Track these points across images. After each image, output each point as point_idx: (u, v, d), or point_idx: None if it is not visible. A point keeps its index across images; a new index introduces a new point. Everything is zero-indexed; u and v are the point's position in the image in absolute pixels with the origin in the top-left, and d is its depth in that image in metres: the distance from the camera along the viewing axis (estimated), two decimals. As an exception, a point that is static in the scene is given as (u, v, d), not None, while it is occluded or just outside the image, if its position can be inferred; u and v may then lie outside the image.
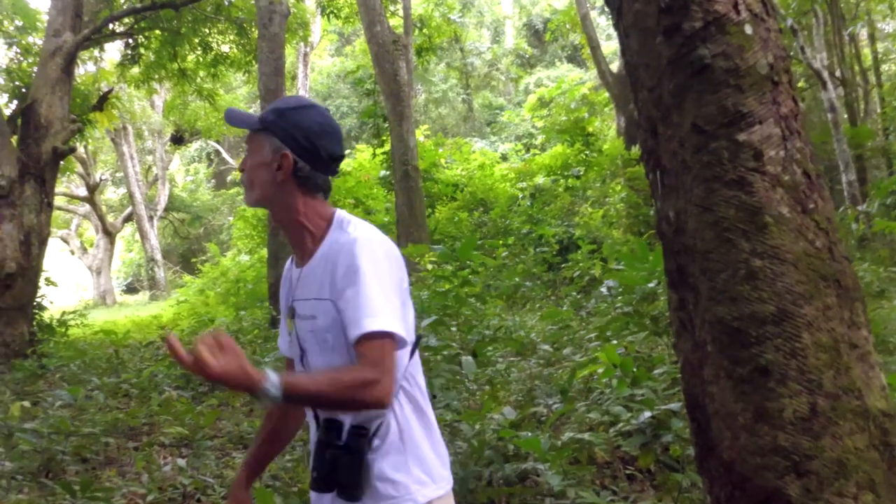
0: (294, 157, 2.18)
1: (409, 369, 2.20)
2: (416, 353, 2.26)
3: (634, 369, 4.62)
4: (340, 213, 2.24)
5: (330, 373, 2.06)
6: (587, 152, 19.59)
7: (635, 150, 15.76)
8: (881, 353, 5.30)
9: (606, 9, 2.43)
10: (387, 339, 2.01)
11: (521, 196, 19.63)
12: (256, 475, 2.59)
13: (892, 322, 5.93)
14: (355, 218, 2.24)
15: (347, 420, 2.12)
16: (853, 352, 2.08)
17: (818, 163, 2.22)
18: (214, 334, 1.90)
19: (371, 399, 1.99)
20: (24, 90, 13.83)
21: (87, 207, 38.59)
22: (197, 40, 16.58)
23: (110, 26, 13.91)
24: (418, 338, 2.29)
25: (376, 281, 2.05)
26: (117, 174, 42.12)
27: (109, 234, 38.27)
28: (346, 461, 2.06)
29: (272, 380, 1.90)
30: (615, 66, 18.34)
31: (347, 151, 26.21)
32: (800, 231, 2.06)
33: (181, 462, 5.58)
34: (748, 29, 2.10)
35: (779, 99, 2.11)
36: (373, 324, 1.99)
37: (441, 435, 2.32)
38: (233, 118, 2.27)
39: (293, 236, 2.26)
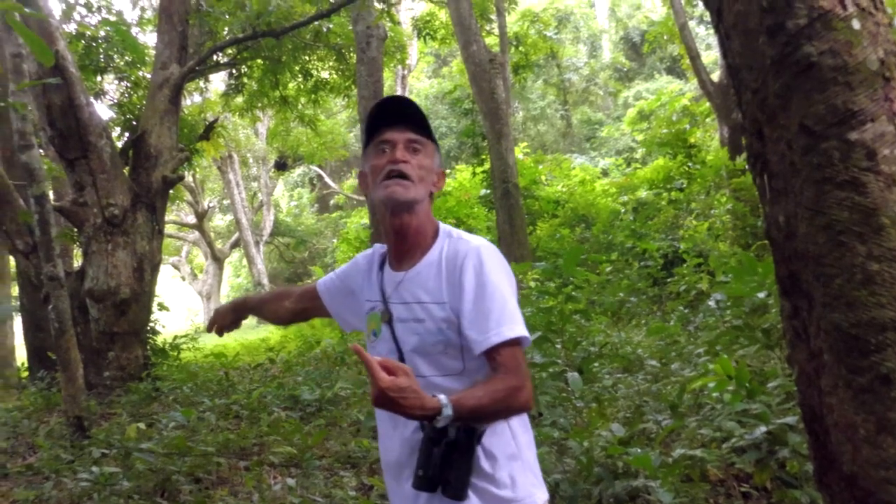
0: None
1: None
2: None
3: (748, 382, 4.46)
4: (444, 225, 2.36)
5: (484, 386, 2.09)
6: (690, 164, 19.20)
7: (741, 160, 15.31)
8: None
9: (705, 18, 2.37)
10: (517, 345, 2.11)
11: (623, 211, 19.39)
12: (248, 313, 2.87)
13: None
14: (457, 229, 2.37)
15: None
16: (983, 359, 1.97)
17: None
18: (390, 363, 1.96)
19: (518, 405, 2.10)
20: (134, 122, 14.34)
21: (196, 234, 39.82)
22: (297, 67, 16.87)
23: (214, 57, 14.30)
24: None
25: (503, 288, 2.15)
26: (224, 201, 43.33)
27: (218, 259, 39.35)
28: (458, 458, 2.05)
29: (444, 400, 1.97)
30: (716, 76, 17.92)
31: (448, 171, 26.42)
32: (920, 232, 1.96)
33: (291, 482, 5.63)
34: (856, 24, 2.01)
35: (891, 95, 2.01)
36: (509, 332, 2.09)
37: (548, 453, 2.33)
38: (416, 114, 2.40)
39: (408, 242, 2.32)
